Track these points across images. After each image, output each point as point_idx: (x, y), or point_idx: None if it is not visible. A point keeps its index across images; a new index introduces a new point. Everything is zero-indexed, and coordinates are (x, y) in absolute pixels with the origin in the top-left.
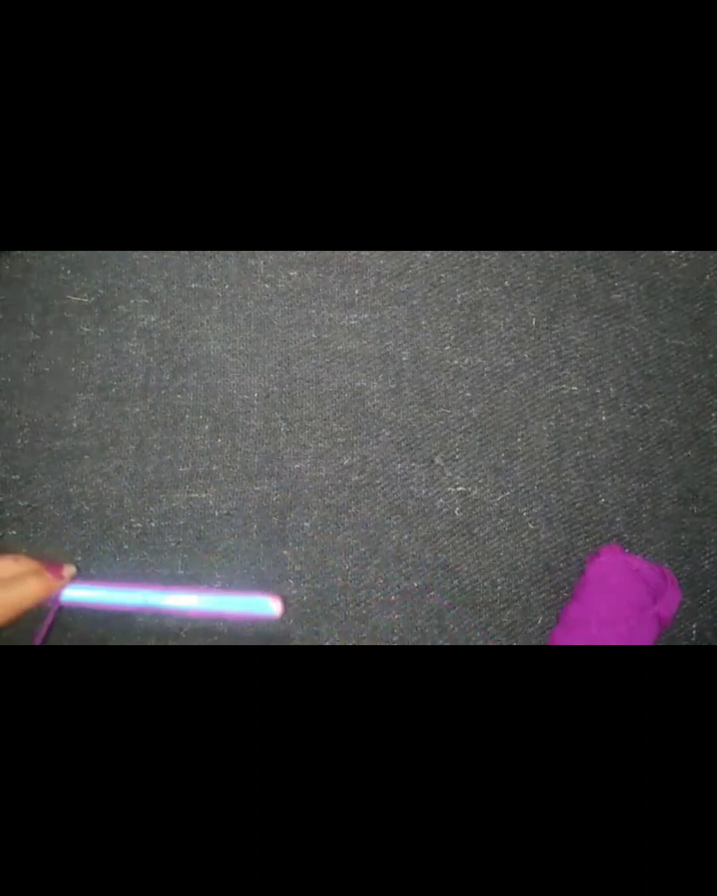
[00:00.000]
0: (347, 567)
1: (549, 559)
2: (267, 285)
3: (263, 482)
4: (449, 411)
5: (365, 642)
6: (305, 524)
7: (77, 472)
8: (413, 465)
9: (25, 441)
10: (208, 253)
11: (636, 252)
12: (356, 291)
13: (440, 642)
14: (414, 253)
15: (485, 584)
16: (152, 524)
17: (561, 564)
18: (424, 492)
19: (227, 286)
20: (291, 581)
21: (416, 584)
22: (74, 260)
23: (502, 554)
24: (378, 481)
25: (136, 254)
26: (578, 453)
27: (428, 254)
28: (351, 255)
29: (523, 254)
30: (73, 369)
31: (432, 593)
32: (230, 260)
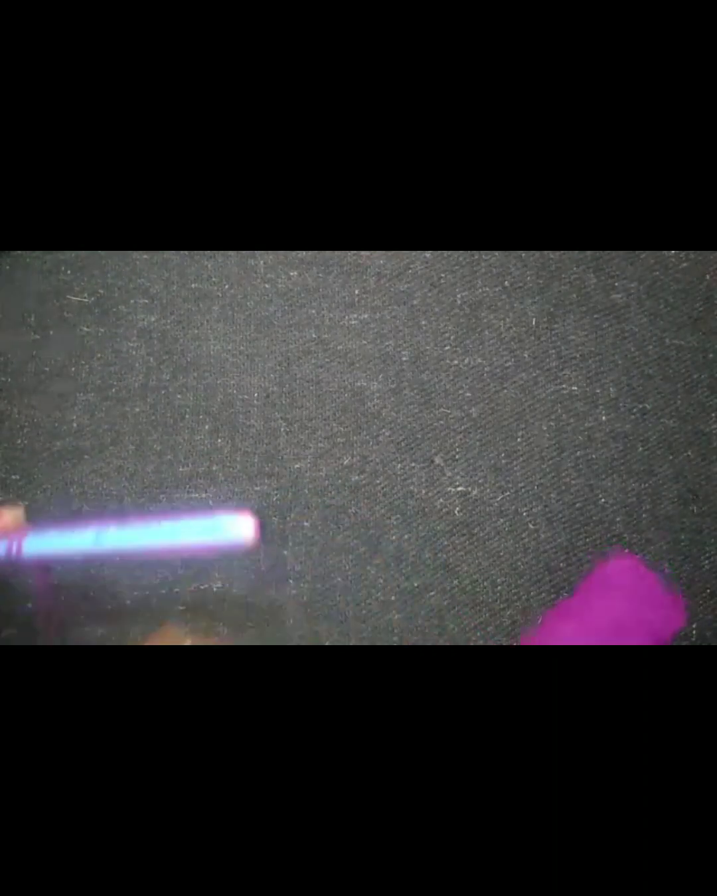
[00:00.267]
0: (347, 567)
1: (549, 559)
2: (267, 285)
3: (263, 482)
4: (449, 411)
5: (365, 642)
6: (305, 524)
7: (77, 472)
8: (413, 465)
9: (25, 441)
10: (208, 253)
11: (636, 252)
12: (356, 291)
13: (440, 642)
14: (414, 253)
15: (485, 584)
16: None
17: (561, 564)
18: (424, 492)
19: (227, 286)
20: (291, 581)
21: (416, 584)
22: (74, 260)
23: (502, 554)
24: (378, 481)
25: (136, 254)
26: (578, 453)
27: (428, 254)
28: (351, 255)
29: (523, 254)
30: (73, 369)
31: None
32: (230, 260)
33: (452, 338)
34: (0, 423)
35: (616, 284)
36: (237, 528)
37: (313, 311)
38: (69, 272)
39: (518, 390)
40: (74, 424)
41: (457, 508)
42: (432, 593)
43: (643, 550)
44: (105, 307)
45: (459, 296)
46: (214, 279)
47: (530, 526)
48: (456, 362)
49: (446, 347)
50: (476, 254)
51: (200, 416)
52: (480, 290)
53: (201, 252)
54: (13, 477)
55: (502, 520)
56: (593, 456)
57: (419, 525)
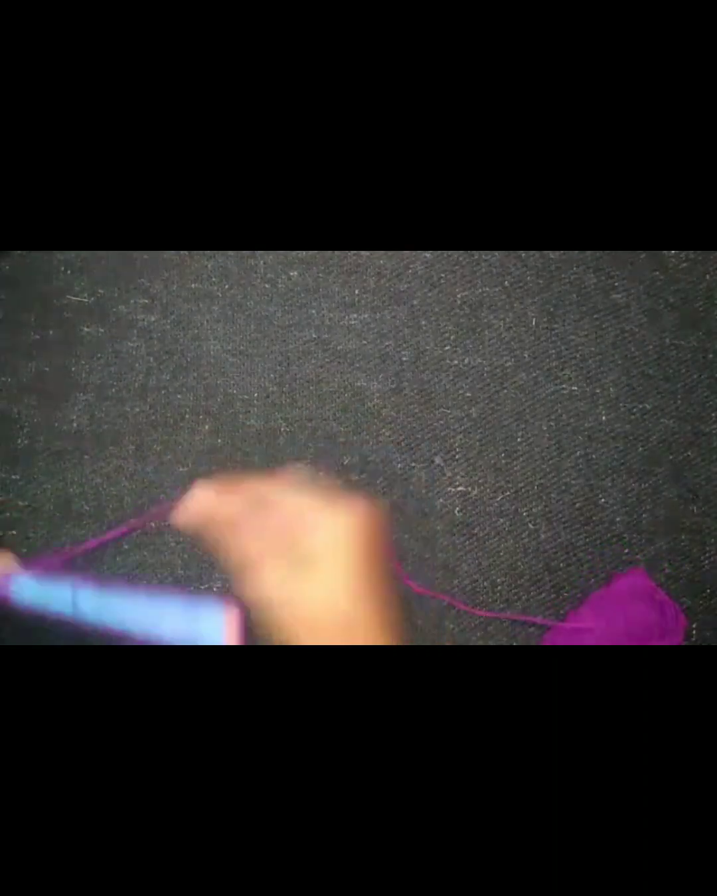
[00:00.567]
0: None
1: (549, 559)
2: (267, 285)
3: None
4: (449, 411)
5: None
6: None
7: (77, 472)
8: (413, 465)
9: (25, 441)
10: (208, 253)
11: (636, 252)
12: (356, 291)
13: (440, 642)
14: (414, 253)
15: (485, 584)
16: (152, 524)
17: (561, 564)
18: (424, 492)
19: (227, 286)
20: None
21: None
22: (74, 260)
23: (502, 554)
24: (378, 481)
25: (136, 254)
26: (578, 453)
27: (428, 254)
28: (351, 255)
29: (523, 254)
30: (73, 369)
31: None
32: (230, 260)
33: (452, 338)
34: (0, 423)
35: (616, 284)
36: (217, 628)
37: (313, 311)
38: (69, 272)
39: (518, 390)
40: (74, 424)
41: (457, 508)
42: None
43: (643, 550)
44: (105, 307)
45: (459, 296)
46: (214, 279)
47: (530, 526)
48: (456, 362)
49: (446, 347)
50: (476, 254)
51: (200, 416)
52: (480, 290)
53: (201, 252)
54: (13, 477)
55: (502, 520)
56: (593, 456)
57: (419, 525)
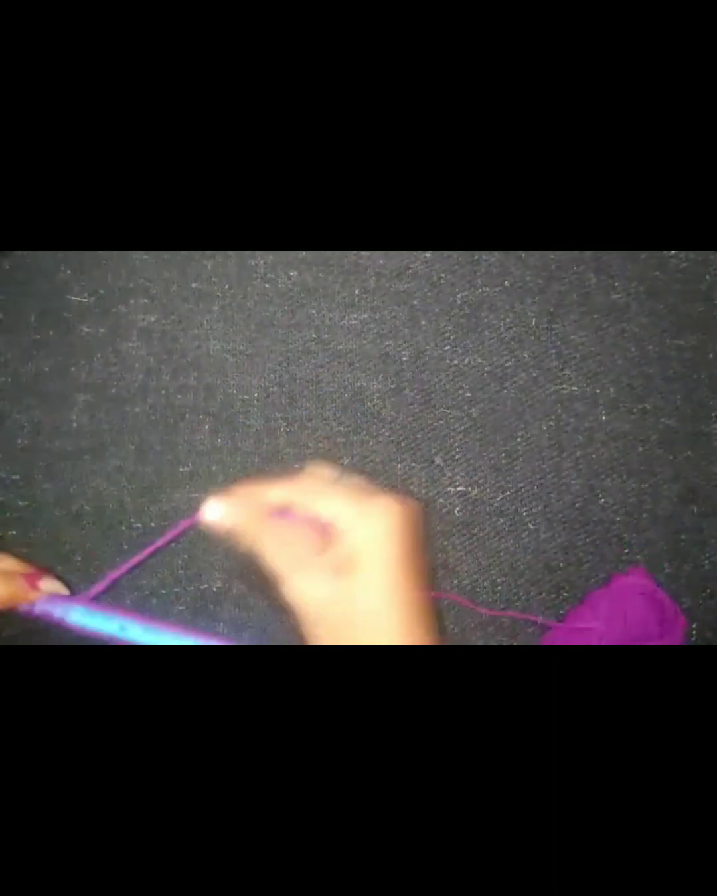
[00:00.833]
0: None
1: (549, 559)
2: (267, 285)
3: None
4: (449, 411)
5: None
6: None
7: (77, 472)
8: (413, 465)
9: (25, 441)
10: (208, 253)
11: (636, 252)
12: (356, 291)
13: (440, 642)
14: (414, 253)
15: (485, 584)
16: (152, 524)
17: (561, 564)
18: (424, 492)
19: (227, 286)
20: None
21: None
22: (74, 260)
23: (502, 554)
24: (378, 481)
25: (136, 254)
26: (578, 453)
27: (428, 254)
28: (351, 255)
29: (523, 254)
30: (73, 369)
31: None
32: (230, 260)
33: (452, 338)
34: (0, 423)
35: (616, 284)
36: None
37: (313, 311)
38: (69, 272)
39: (518, 390)
40: (74, 424)
41: (457, 508)
42: (432, 593)
43: (643, 550)
44: (105, 307)
45: (459, 296)
46: (214, 279)
47: (530, 526)
48: (456, 362)
49: (446, 347)
50: (476, 254)
51: (200, 416)
52: (480, 290)
53: (201, 252)
54: (13, 477)
55: (502, 520)
56: (594, 456)
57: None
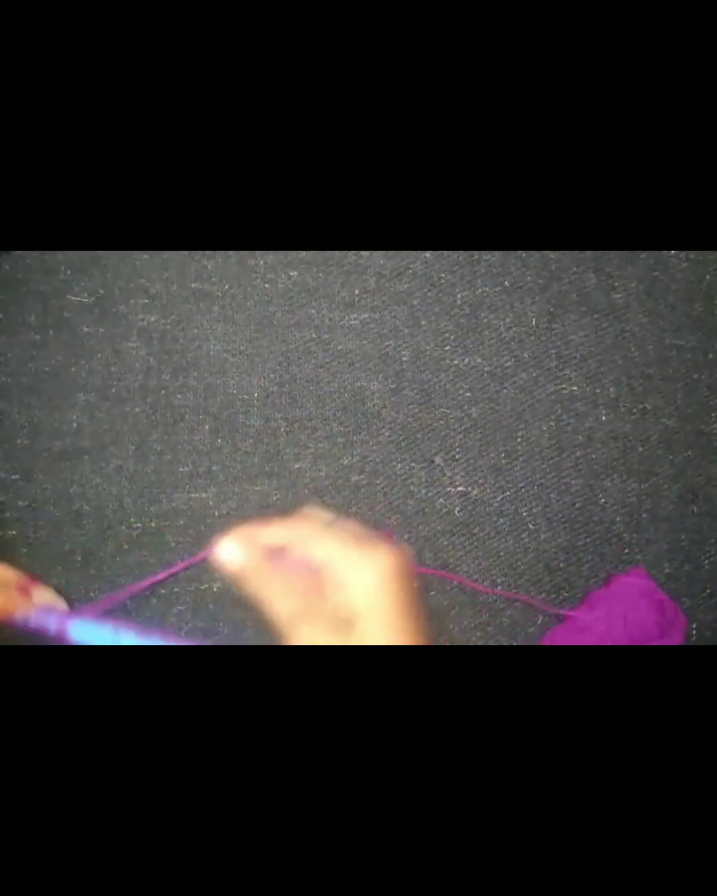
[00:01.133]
0: None
1: (549, 559)
2: (267, 285)
3: (263, 482)
4: (449, 411)
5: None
6: None
7: (77, 472)
8: (413, 465)
9: (25, 441)
10: (208, 253)
11: (636, 252)
12: (356, 291)
13: (440, 642)
14: (414, 253)
15: (485, 584)
16: (152, 524)
17: (561, 564)
18: (424, 492)
19: (227, 286)
20: None
21: (416, 584)
22: (74, 260)
23: (502, 554)
24: (378, 481)
25: (136, 254)
26: (578, 453)
27: (428, 254)
28: (351, 255)
29: (523, 254)
30: (73, 369)
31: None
32: (230, 260)
33: (452, 338)
34: (0, 423)
35: (616, 284)
36: None
37: (313, 311)
38: (69, 272)
39: (518, 390)
40: (74, 424)
41: (457, 508)
42: (433, 593)
43: (643, 550)
44: (105, 307)
45: (459, 296)
46: (214, 279)
47: (530, 526)
48: (456, 362)
49: (446, 347)
50: (476, 254)
51: (200, 416)
52: (480, 290)
53: (201, 252)
54: (13, 477)
55: (502, 520)
56: (593, 456)
57: (419, 525)
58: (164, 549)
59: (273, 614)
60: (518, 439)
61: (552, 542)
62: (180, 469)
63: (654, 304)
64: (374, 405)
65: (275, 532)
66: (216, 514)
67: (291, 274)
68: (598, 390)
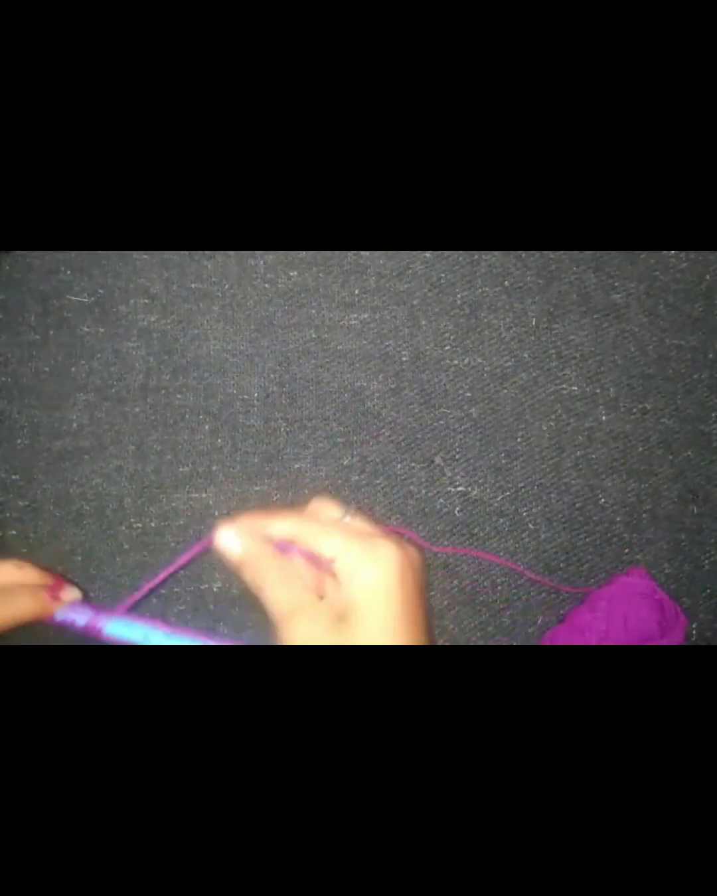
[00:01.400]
0: None
1: (549, 559)
2: (267, 285)
3: (263, 482)
4: (449, 411)
5: None
6: None
7: (77, 472)
8: (413, 465)
9: (25, 441)
10: (208, 253)
11: (636, 252)
12: (356, 291)
13: (440, 642)
14: (414, 253)
15: (485, 584)
16: (152, 524)
17: (561, 564)
18: (424, 492)
19: (227, 286)
20: None
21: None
22: (74, 260)
23: (502, 554)
24: (378, 481)
25: (136, 254)
26: (578, 453)
27: (428, 254)
28: (351, 255)
29: (523, 254)
30: (73, 369)
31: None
32: (230, 260)
33: (452, 338)
34: (0, 423)
35: (616, 284)
36: None
37: (313, 311)
38: (69, 272)
39: (518, 390)
40: (74, 424)
41: (457, 508)
42: (433, 593)
43: (643, 550)
44: (105, 307)
45: (459, 296)
46: (214, 279)
47: (530, 526)
48: (456, 362)
49: (446, 347)
50: (476, 254)
51: (200, 416)
52: (480, 290)
53: (201, 252)
54: (13, 477)
55: (502, 520)
56: (593, 456)
57: (419, 525)
58: (164, 549)
59: (268, 605)
60: (518, 439)
61: (552, 542)
62: (180, 469)
63: (654, 304)
64: (374, 405)
65: (281, 524)
66: (216, 514)
67: (291, 274)
68: (598, 390)
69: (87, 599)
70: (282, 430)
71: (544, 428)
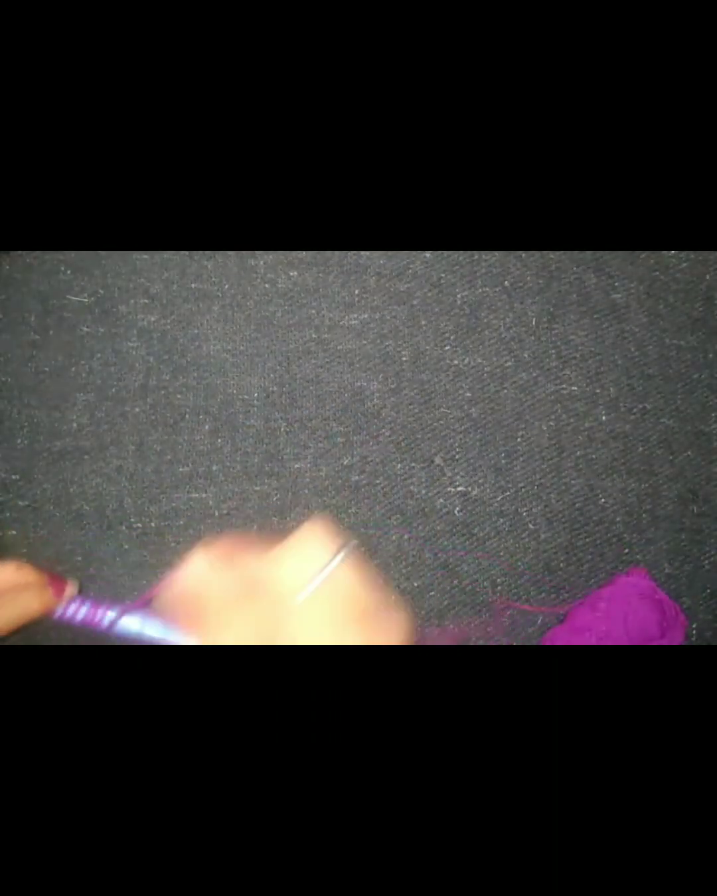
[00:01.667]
0: None
1: (549, 559)
2: (267, 285)
3: (263, 482)
4: (449, 411)
5: None
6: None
7: (77, 472)
8: (413, 465)
9: (25, 441)
10: (208, 253)
11: (636, 252)
12: (356, 291)
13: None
14: (414, 253)
15: (485, 583)
16: (152, 524)
17: (561, 564)
18: (424, 492)
19: (227, 286)
20: None
21: (416, 584)
22: (74, 260)
23: (502, 554)
24: (378, 481)
25: (136, 254)
26: (578, 453)
27: (428, 254)
28: (351, 255)
29: (523, 254)
30: (73, 369)
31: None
32: (230, 260)
33: (452, 338)
34: (0, 423)
35: (616, 284)
36: None
37: (313, 311)
38: (69, 272)
39: (518, 390)
40: (74, 424)
41: (457, 508)
42: (432, 593)
43: (643, 550)
44: (105, 307)
45: (459, 296)
46: (214, 279)
47: (530, 526)
48: (456, 362)
49: (446, 347)
50: (476, 254)
51: (200, 416)
52: (480, 290)
53: (201, 252)
54: (13, 477)
55: (502, 520)
56: (593, 456)
57: (419, 525)
58: (164, 549)
59: (206, 623)
60: (518, 439)
61: (552, 542)
62: (180, 469)
63: (654, 304)
64: (374, 405)
65: (250, 562)
66: (216, 514)
67: (291, 274)
68: (598, 390)
69: (85, 595)
70: (282, 430)
71: (544, 428)
